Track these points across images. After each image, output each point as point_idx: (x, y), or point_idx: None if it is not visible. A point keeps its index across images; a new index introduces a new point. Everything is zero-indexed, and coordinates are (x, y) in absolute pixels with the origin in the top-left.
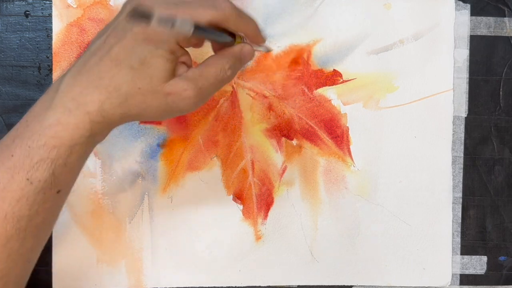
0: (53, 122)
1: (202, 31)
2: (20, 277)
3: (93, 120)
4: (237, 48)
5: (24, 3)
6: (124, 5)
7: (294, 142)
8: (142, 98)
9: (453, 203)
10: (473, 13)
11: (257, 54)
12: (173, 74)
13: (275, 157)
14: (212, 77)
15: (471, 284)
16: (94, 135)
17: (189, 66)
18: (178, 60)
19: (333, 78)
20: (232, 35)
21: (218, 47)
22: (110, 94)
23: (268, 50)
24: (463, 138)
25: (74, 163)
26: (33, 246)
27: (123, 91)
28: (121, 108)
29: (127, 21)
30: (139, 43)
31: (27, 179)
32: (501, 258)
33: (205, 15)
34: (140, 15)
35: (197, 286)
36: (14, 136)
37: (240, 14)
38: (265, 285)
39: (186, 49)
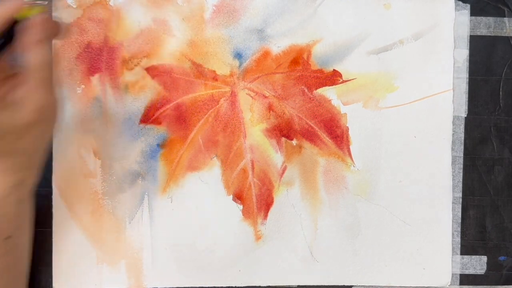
0: None
1: None
2: None
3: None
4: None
5: None
6: None
7: (294, 142)
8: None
9: (453, 203)
10: (473, 13)
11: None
12: None
13: (275, 157)
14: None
15: (471, 284)
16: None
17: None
18: None
19: (333, 78)
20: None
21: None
22: None
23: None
24: (463, 138)
25: (12, 211)
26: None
27: None
28: None
29: None
30: None
31: None
32: (501, 258)
33: None
34: None
35: (197, 286)
36: None
37: None
38: (265, 285)
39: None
